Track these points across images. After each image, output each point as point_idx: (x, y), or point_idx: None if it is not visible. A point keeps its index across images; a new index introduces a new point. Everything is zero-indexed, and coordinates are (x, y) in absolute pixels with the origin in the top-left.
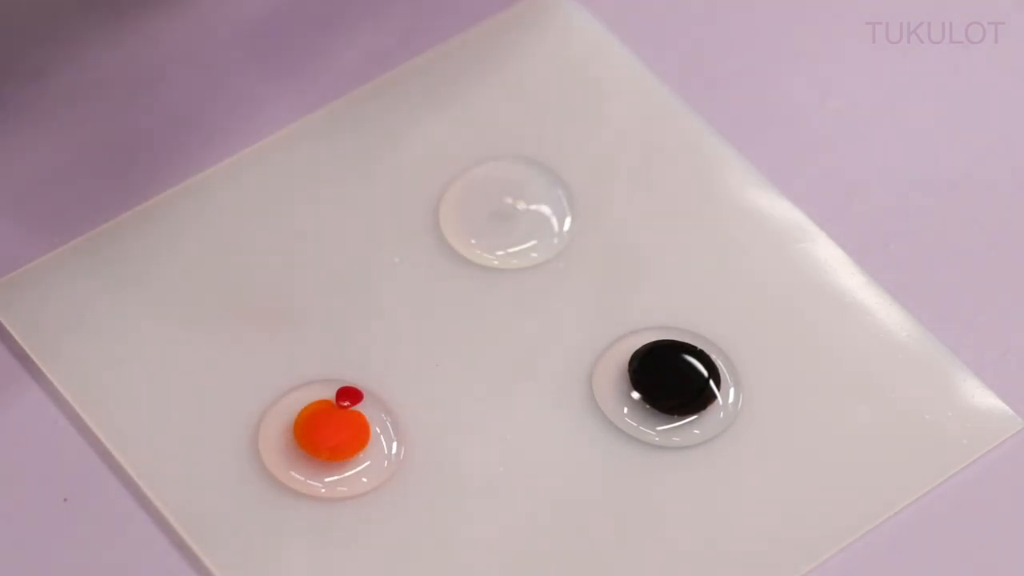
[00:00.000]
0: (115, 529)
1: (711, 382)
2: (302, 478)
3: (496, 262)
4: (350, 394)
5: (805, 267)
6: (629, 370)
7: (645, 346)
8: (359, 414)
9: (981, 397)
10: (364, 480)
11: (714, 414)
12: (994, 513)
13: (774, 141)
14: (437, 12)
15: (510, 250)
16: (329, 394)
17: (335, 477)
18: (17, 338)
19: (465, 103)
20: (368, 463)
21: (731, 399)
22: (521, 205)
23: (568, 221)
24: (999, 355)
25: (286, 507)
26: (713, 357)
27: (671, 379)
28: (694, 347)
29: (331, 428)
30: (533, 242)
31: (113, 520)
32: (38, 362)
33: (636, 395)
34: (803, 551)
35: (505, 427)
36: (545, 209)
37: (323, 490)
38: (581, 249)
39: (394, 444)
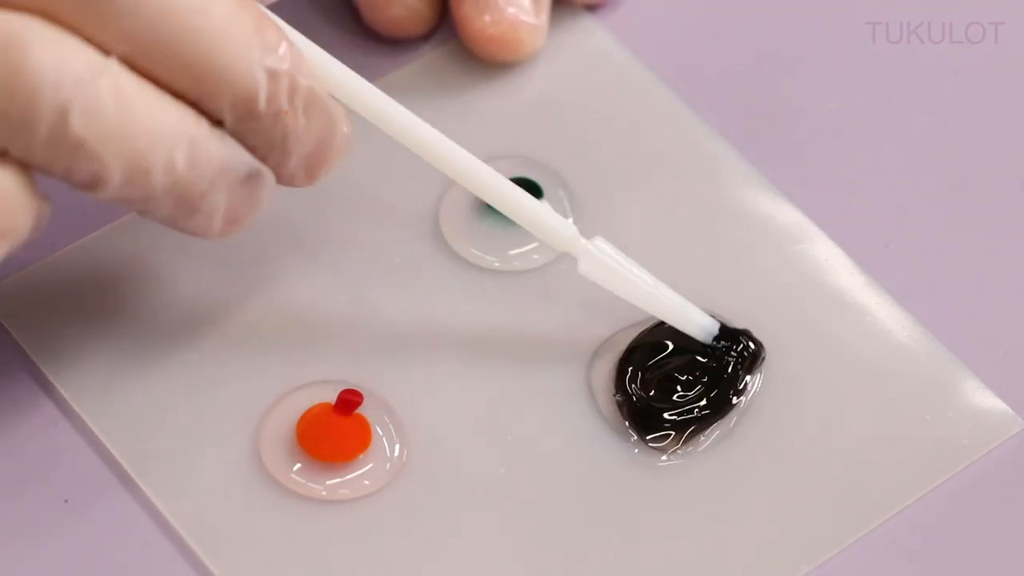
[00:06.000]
0: (116, 530)
1: None
2: (303, 480)
3: (497, 264)
4: (351, 396)
5: (805, 267)
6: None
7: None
8: (360, 416)
9: (981, 397)
10: (366, 482)
11: None
12: (994, 513)
13: (774, 141)
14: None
15: (511, 252)
16: (330, 396)
17: (336, 479)
18: (19, 340)
19: (467, 105)
20: (370, 465)
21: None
22: None
23: (570, 223)
24: (999, 355)
25: (287, 509)
26: None
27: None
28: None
29: (332, 430)
30: (535, 244)
31: (114, 521)
32: (39, 364)
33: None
34: (803, 551)
35: (507, 429)
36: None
37: (324, 492)
38: None
39: (396, 446)
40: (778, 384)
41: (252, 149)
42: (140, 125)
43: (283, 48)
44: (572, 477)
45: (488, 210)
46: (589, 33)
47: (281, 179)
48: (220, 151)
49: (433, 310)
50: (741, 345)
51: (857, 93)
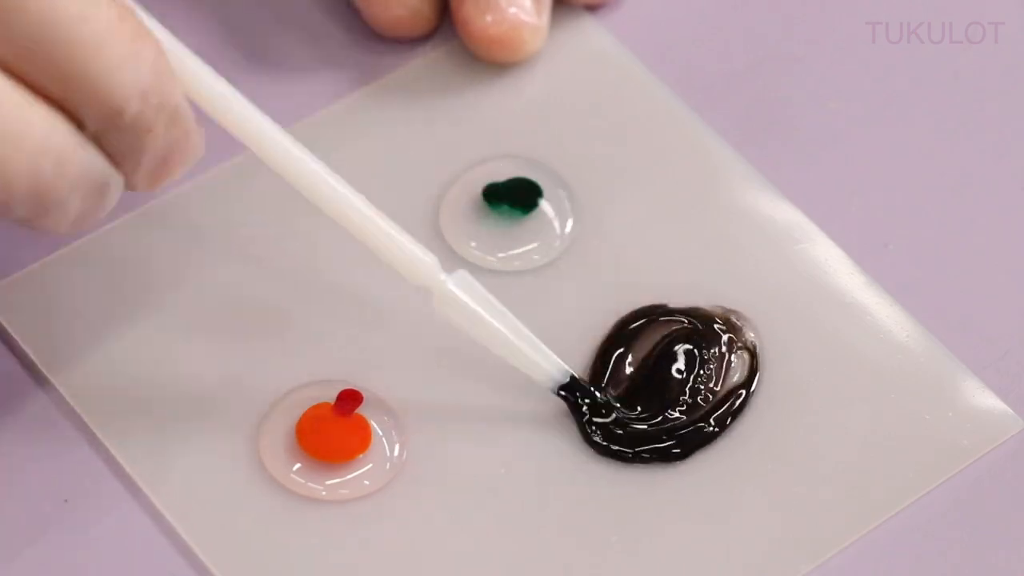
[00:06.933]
0: (115, 530)
1: None
2: (303, 480)
3: (497, 264)
4: (351, 397)
5: (805, 267)
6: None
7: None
8: (360, 416)
9: (981, 397)
10: (366, 483)
11: None
12: (994, 513)
13: (774, 141)
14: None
15: (511, 252)
16: (330, 396)
17: (336, 480)
18: (18, 339)
19: (467, 105)
20: (370, 465)
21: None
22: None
23: (570, 223)
24: (999, 355)
25: (287, 509)
26: None
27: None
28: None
29: (332, 430)
30: (534, 244)
31: (113, 521)
32: (39, 363)
33: None
34: (803, 551)
35: (506, 429)
36: (547, 211)
37: (324, 492)
38: (583, 251)
39: (396, 446)
40: (778, 384)
41: (108, 155)
42: (9, 131)
43: (156, 64)
44: (572, 477)
45: (488, 210)
46: (589, 33)
47: (127, 185)
48: (83, 159)
49: (433, 310)
50: (589, 400)
51: (857, 93)
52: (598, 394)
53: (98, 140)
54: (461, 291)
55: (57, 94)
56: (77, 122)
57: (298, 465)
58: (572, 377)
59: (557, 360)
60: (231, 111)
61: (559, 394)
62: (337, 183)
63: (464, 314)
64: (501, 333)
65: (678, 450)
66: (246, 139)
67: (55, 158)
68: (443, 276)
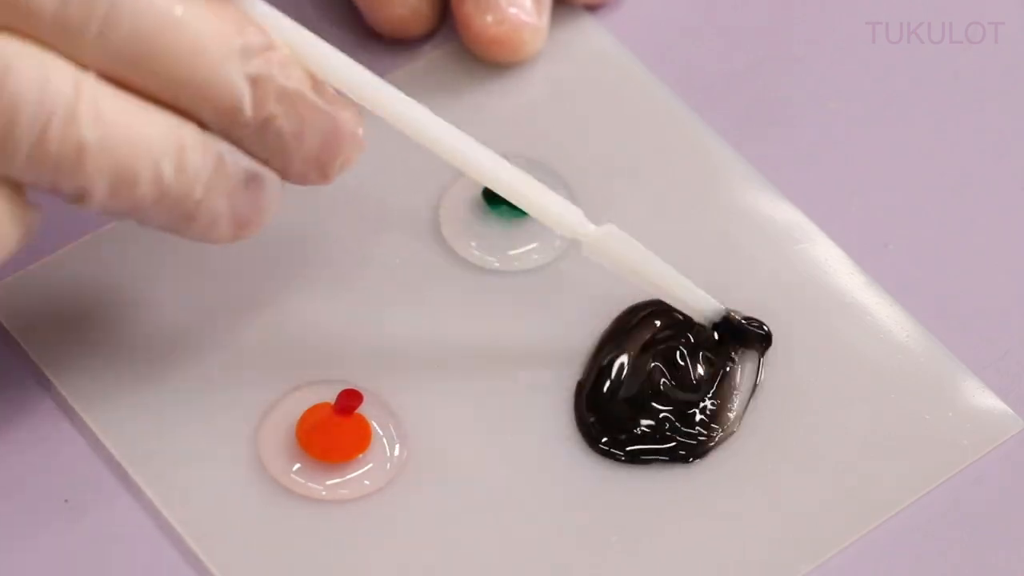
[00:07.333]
0: (116, 531)
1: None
2: (303, 480)
3: (497, 264)
4: (351, 397)
5: (805, 267)
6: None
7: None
8: (360, 416)
9: (981, 397)
10: (366, 483)
11: None
12: (994, 513)
13: (774, 141)
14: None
15: (511, 252)
16: (330, 396)
17: (336, 480)
18: (19, 340)
19: (467, 105)
20: (370, 465)
21: None
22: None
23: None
24: (999, 355)
25: (287, 509)
26: None
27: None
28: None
29: (332, 430)
30: (534, 244)
31: (114, 521)
32: (39, 363)
33: None
34: (803, 551)
35: (507, 428)
36: None
37: (324, 492)
38: None
39: (396, 446)
40: (778, 384)
41: (250, 153)
42: (121, 138)
43: (267, 52)
44: (572, 477)
45: (488, 210)
46: (589, 33)
47: (291, 180)
48: (212, 158)
49: (433, 310)
50: (743, 334)
51: (857, 93)
52: (753, 328)
53: (229, 137)
54: (608, 245)
55: (172, 100)
56: (200, 123)
57: (298, 465)
58: (726, 315)
59: (711, 300)
60: (362, 86)
61: (715, 330)
62: (481, 148)
63: (612, 264)
64: (650, 281)
65: (683, 451)
66: (382, 110)
67: (176, 158)
68: (590, 228)
